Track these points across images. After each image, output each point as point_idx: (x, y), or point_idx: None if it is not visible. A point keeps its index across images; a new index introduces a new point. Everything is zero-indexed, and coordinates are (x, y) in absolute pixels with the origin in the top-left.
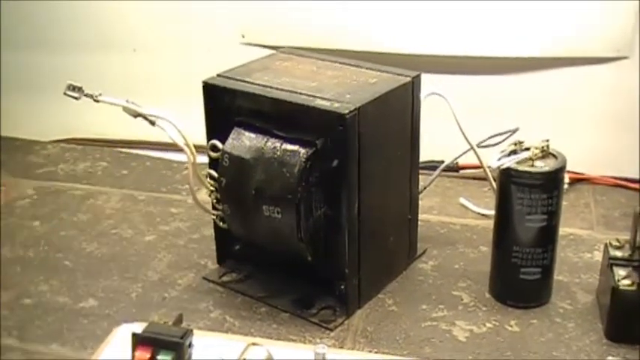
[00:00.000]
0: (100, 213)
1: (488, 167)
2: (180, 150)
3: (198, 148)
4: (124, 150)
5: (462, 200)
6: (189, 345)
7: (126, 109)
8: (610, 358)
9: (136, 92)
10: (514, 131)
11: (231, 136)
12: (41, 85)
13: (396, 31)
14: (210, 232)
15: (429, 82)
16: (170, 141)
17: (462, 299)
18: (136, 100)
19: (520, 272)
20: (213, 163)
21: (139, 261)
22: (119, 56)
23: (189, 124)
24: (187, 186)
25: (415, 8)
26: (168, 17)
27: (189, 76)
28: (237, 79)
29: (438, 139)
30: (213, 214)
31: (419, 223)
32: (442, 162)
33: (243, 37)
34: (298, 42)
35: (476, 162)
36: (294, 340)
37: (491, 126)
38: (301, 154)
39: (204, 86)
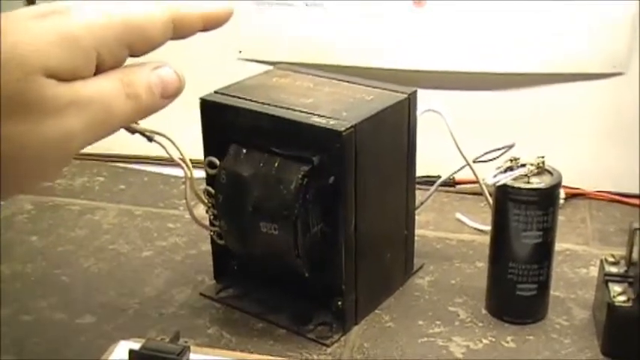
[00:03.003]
0: (97, 228)
1: (485, 183)
2: (178, 165)
3: (196, 164)
4: (121, 165)
5: (459, 215)
6: None
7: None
8: None
9: None
10: (510, 147)
11: (229, 152)
12: None
13: (393, 48)
14: (207, 247)
15: (426, 98)
16: (168, 156)
17: (458, 315)
18: None
19: (516, 288)
20: (211, 180)
21: (135, 277)
22: None
23: (186, 139)
24: (185, 201)
25: (411, 24)
26: None
27: (185, 90)
28: (234, 96)
29: (434, 155)
30: (211, 230)
31: (415, 238)
32: (438, 177)
33: (240, 52)
34: (295, 57)
35: (472, 177)
36: (290, 357)
37: (487, 141)
38: (298, 171)
39: (201, 103)
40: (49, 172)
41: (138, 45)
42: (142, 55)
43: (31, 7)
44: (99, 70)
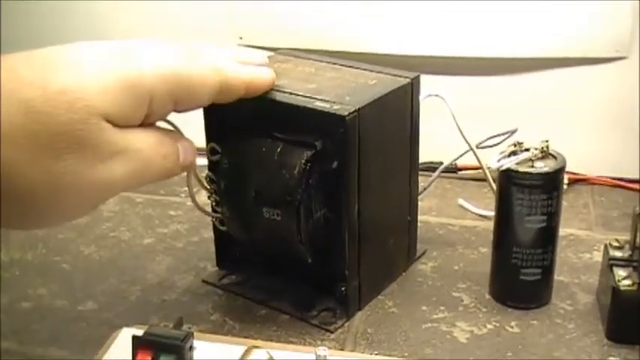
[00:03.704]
0: (98, 216)
1: (488, 168)
2: None
3: (197, 150)
4: None
5: (461, 201)
6: (190, 348)
7: None
8: (611, 358)
9: None
10: (513, 132)
11: (230, 138)
12: None
13: (395, 33)
14: (209, 234)
15: (428, 83)
16: None
17: (462, 300)
18: None
19: (520, 273)
20: (212, 166)
21: (137, 264)
22: None
23: (187, 125)
24: (186, 188)
25: (414, 9)
26: (165, 19)
27: None
28: None
29: (437, 140)
30: (213, 217)
31: (418, 224)
32: (441, 163)
33: (241, 38)
34: (296, 43)
35: (475, 163)
36: (294, 343)
37: (490, 127)
38: (301, 156)
39: None
40: (81, 212)
41: (184, 102)
42: (183, 112)
43: (100, 44)
44: (143, 120)
